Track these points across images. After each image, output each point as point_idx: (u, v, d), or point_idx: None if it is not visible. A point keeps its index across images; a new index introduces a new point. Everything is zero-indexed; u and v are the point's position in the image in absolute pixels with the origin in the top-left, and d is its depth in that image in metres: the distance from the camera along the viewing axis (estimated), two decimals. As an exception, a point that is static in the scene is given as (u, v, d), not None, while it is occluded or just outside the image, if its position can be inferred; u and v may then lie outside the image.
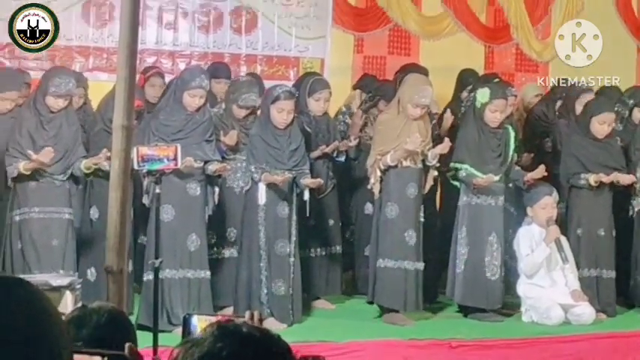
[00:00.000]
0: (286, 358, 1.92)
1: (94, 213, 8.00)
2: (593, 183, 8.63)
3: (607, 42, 9.77)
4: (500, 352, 7.66)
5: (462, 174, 8.46)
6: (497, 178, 8.42)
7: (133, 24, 5.26)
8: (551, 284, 8.50)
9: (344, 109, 9.71)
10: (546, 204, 8.48)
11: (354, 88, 10.04)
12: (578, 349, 7.82)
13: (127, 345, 2.23)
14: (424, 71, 9.43)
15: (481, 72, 10.72)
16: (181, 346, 1.88)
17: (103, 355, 2.30)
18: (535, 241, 8.49)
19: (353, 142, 8.96)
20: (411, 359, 7.42)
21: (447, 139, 8.46)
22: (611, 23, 11.66)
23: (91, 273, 7.89)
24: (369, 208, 9.08)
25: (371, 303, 8.42)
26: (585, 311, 8.43)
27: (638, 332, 8.19)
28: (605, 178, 8.63)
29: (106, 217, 5.51)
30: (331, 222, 8.90)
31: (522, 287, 8.56)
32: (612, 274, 8.79)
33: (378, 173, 8.24)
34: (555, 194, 8.56)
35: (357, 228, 9.41)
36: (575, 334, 8.08)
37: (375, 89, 9.56)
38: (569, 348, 7.83)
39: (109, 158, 6.58)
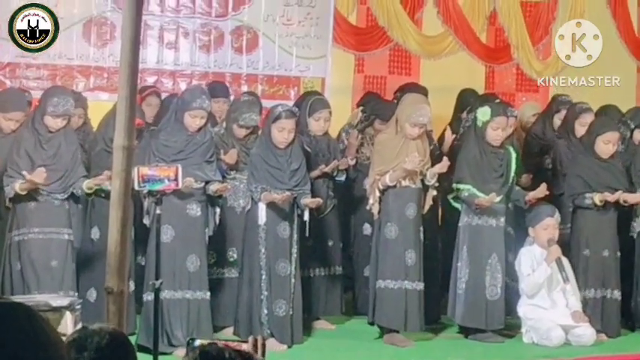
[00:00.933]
0: None
1: (95, 233, 7.96)
2: (598, 202, 8.59)
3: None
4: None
5: (464, 194, 8.44)
6: (499, 198, 8.40)
7: (135, 43, 5.24)
8: (551, 305, 8.47)
9: (347, 127, 9.68)
10: (548, 225, 8.46)
11: (358, 105, 10.01)
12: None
13: None
14: (423, 90, 9.43)
15: (482, 92, 10.70)
16: None
17: None
18: (536, 262, 8.46)
19: (351, 162, 8.94)
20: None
21: (445, 158, 8.44)
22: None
23: (92, 294, 7.85)
24: (367, 228, 9.06)
25: (371, 324, 8.38)
26: (586, 332, 8.41)
27: (639, 355, 8.16)
28: (611, 197, 8.58)
29: (107, 238, 5.48)
30: (331, 242, 8.88)
31: (523, 308, 8.53)
32: (618, 294, 8.76)
33: (377, 193, 8.21)
34: (557, 215, 8.53)
35: (356, 249, 9.38)
36: (576, 355, 8.05)
37: (370, 108, 9.52)
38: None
39: (110, 178, 6.55)
